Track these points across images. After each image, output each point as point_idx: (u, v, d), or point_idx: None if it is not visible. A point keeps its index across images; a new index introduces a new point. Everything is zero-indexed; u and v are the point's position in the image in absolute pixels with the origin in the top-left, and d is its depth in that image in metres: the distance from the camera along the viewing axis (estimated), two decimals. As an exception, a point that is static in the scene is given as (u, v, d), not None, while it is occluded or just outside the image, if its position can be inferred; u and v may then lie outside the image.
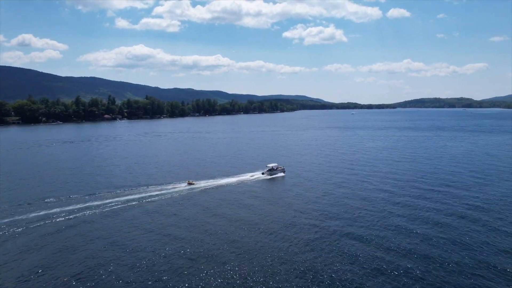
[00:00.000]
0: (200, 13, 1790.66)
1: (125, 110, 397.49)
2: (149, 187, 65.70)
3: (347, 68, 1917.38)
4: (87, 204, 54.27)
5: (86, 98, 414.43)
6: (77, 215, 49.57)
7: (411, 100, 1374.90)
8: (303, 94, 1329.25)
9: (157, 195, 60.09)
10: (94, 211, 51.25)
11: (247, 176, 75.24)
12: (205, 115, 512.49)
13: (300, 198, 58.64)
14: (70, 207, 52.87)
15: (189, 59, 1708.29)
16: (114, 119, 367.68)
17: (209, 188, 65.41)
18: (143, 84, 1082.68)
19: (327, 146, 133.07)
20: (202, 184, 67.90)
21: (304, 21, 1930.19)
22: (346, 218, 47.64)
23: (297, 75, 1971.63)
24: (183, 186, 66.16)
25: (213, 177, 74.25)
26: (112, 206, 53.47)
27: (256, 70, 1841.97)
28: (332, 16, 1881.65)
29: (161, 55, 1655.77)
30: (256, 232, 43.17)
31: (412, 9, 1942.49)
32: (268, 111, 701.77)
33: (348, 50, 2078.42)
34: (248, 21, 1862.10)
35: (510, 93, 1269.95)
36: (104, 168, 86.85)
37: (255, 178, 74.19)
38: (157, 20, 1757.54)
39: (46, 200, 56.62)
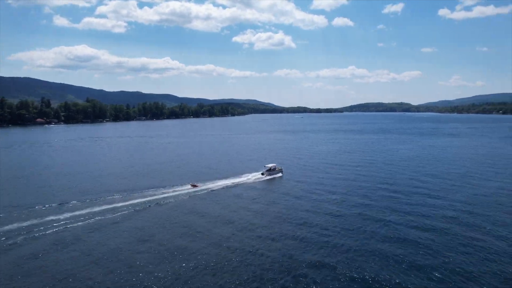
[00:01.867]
0: (147, 15, 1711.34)
1: (62, 114, 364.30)
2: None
3: (296, 74, 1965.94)
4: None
5: (18, 100, 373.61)
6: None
7: (357, 104, 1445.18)
8: (254, 98, 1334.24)
9: (161, 197, 59.15)
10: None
11: (247, 177, 75.22)
12: (153, 119, 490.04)
13: (300, 200, 58.33)
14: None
15: (136, 61, 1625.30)
16: (49, 123, 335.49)
17: (212, 190, 64.85)
18: (87, 86, 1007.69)
19: (297, 149, 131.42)
20: (204, 186, 67.19)
21: (254, 26, 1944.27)
22: (347, 217, 49.33)
23: (247, 79, 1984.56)
24: (187, 188, 65.28)
25: (212, 179, 73.06)
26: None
27: (206, 74, 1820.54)
28: (281, 22, 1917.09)
29: (106, 56, 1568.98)
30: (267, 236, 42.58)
31: (355, 19, 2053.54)
32: (218, 115, 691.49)
33: (296, 56, 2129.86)
34: (198, 24, 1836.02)
35: (440, 99, 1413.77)
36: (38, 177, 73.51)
37: (255, 179, 74.24)
38: (101, 20, 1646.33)
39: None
